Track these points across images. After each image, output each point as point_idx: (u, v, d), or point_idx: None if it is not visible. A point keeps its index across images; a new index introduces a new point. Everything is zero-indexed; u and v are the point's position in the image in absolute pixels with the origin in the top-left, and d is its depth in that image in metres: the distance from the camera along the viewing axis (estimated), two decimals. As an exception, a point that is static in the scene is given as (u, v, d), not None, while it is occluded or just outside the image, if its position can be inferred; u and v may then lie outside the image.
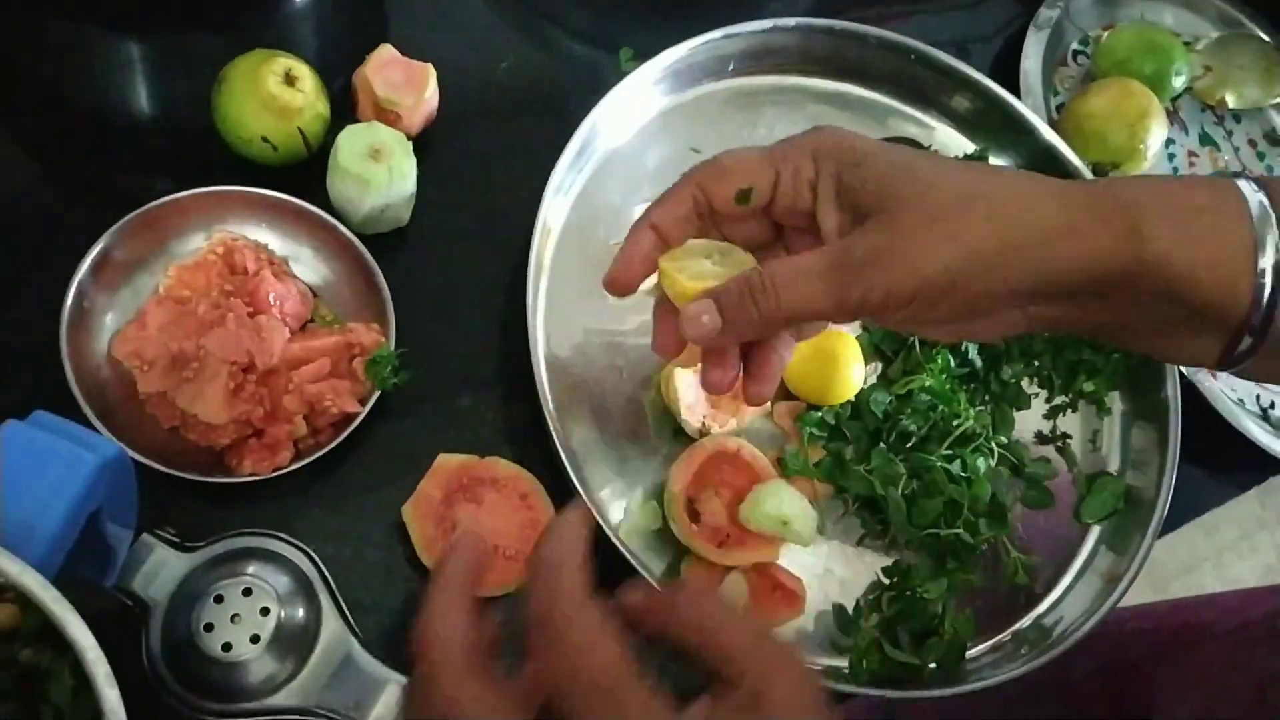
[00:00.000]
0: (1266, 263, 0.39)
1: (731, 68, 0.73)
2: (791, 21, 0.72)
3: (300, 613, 0.50)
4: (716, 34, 0.69)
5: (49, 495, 0.39)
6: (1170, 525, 0.68)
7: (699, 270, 0.45)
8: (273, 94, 0.57)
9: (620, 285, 0.47)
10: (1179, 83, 0.82)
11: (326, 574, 0.52)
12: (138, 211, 0.57)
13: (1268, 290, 0.39)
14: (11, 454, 0.39)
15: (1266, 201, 0.40)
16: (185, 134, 0.63)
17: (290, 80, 0.58)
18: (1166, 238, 0.40)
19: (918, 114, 0.76)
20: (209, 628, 0.49)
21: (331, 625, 0.51)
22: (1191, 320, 0.42)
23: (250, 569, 0.51)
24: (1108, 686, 0.73)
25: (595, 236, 0.68)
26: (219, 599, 0.50)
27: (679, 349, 0.47)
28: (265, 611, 0.50)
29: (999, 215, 0.40)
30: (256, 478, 0.54)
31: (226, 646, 0.49)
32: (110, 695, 0.36)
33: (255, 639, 0.49)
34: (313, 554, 0.52)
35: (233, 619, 0.49)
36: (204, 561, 0.50)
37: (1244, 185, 0.41)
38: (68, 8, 0.65)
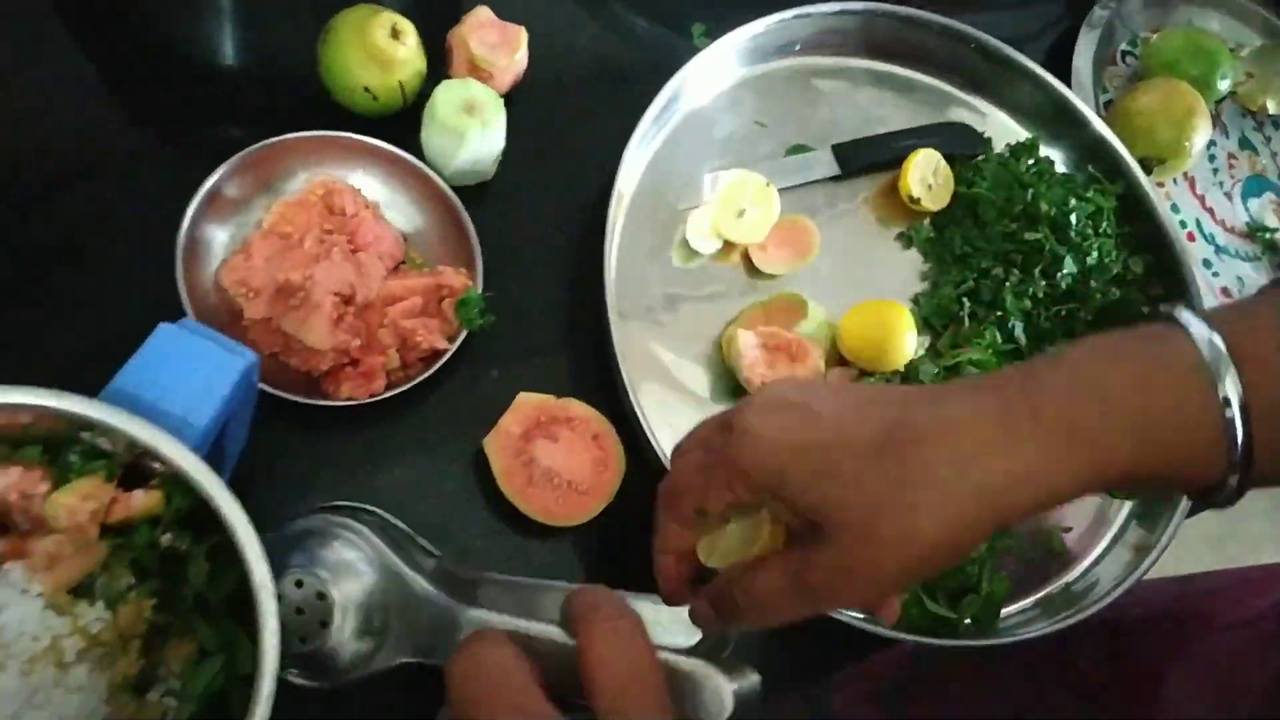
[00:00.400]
0: (1234, 412, 0.35)
1: (799, 47, 0.76)
2: (858, 5, 0.75)
3: (363, 581, 0.48)
4: (788, 13, 0.73)
5: (200, 393, 0.42)
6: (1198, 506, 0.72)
7: (725, 549, 0.45)
8: (379, 47, 0.60)
9: (678, 599, 0.47)
10: (1223, 86, 0.86)
11: (392, 525, 0.52)
12: (245, 151, 0.60)
13: (1240, 437, 0.36)
14: (165, 352, 0.42)
15: (1219, 342, 0.36)
16: (287, 82, 0.66)
17: (395, 34, 0.61)
18: (1125, 455, 0.36)
19: (974, 100, 0.80)
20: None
21: (403, 580, 0.48)
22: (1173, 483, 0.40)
23: (296, 560, 0.48)
24: (1115, 678, 0.76)
25: (665, 201, 0.71)
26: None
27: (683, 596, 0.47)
28: (322, 596, 0.47)
29: (936, 508, 0.37)
30: (353, 402, 0.58)
31: (303, 639, 0.47)
32: (260, 570, 0.39)
33: (324, 624, 0.47)
34: (368, 509, 0.53)
35: (297, 612, 0.47)
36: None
37: (1193, 326, 0.37)
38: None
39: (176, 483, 0.42)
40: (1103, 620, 0.66)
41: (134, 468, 0.44)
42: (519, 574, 0.53)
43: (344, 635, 0.47)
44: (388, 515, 0.54)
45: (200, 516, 0.43)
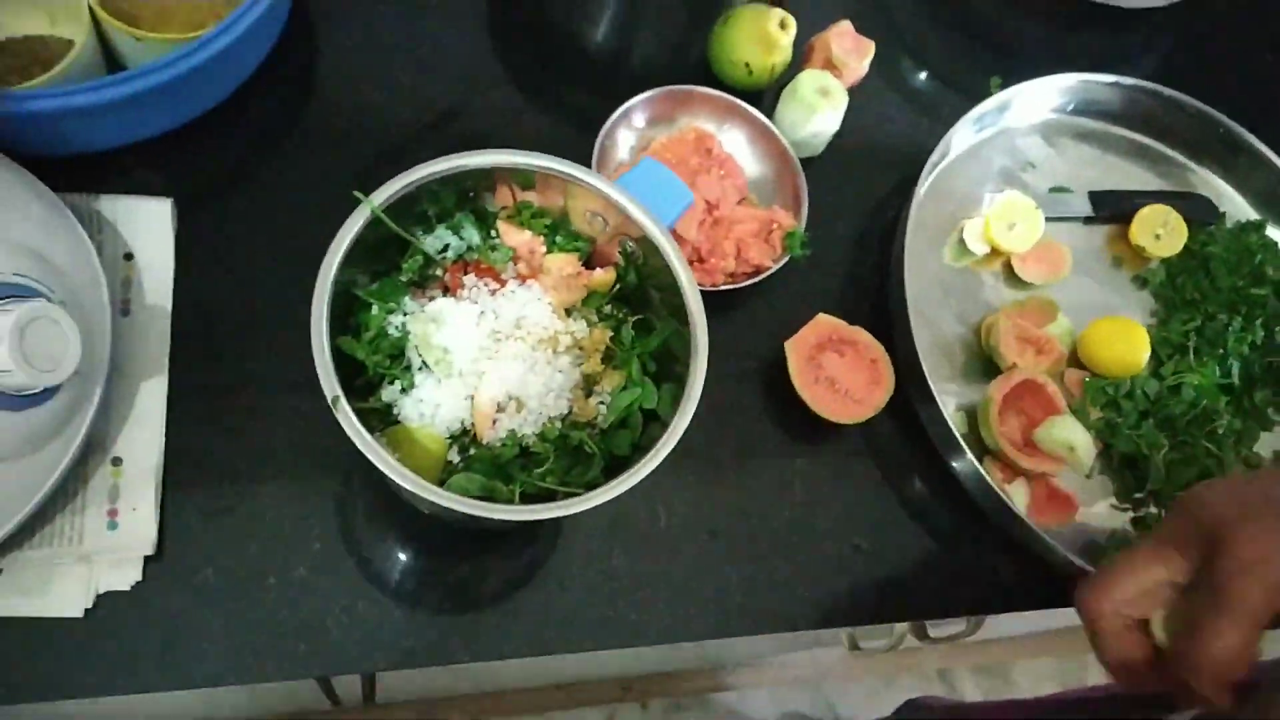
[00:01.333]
0: None
1: (1071, 107, 0.91)
2: (1127, 80, 0.89)
3: None
4: (1071, 77, 0.88)
5: (666, 210, 0.58)
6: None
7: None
8: (768, 32, 0.78)
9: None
10: None
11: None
12: (653, 91, 0.77)
13: None
14: (647, 174, 0.58)
15: None
16: (678, 60, 0.85)
17: (782, 26, 0.79)
18: None
19: (1212, 178, 0.93)
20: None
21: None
22: None
23: None
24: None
25: (945, 210, 0.86)
26: None
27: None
28: None
29: None
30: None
31: None
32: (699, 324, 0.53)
33: None
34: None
35: None
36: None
37: None
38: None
39: (628, 262, 0.57)
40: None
41: (594, 256, 0.59)
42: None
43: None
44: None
45: (632, 297, 0.58)
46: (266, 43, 0.72)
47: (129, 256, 0.67)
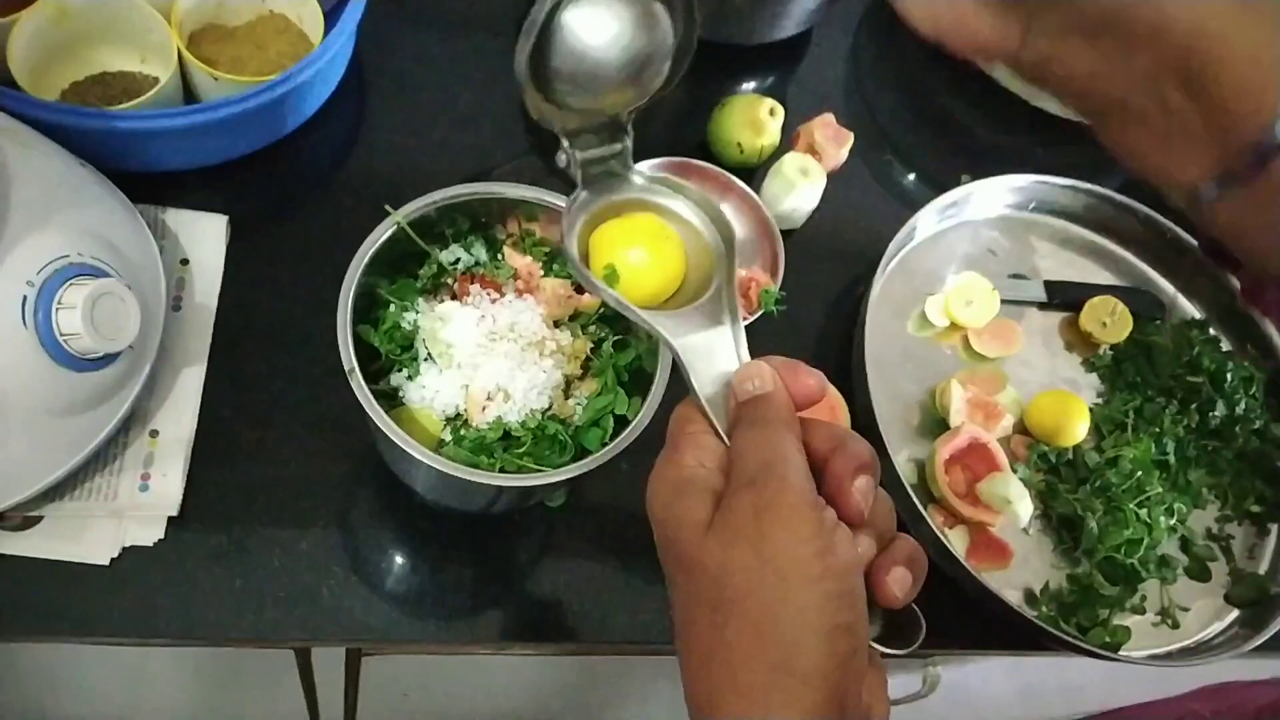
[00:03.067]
0: None
1: (1032, 205, 1.01)
2: (1084, 185, 0.99)
3: None
4: (1030, 178, 0.98)
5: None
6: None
7: None
8: (759, 118, 0.89)
9: None
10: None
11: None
12: (658, 160, 0.88)
13: None
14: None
15: None
16: (680, 140, 0.96)
17: (771, 114, 0.90)
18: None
19: (1160, 280, 1.02)
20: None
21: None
22: (1198, 122, 0.43)
23: None
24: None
25: (911, 286, 0.95)
26: None
27: None
28: None
29: None
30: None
31: None
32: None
33: None
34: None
35: None
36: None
37: None
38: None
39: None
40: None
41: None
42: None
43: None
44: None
45: (614, 320, 0.67)
46: (324, 92, 0.84)
47: (185, 262, 0.77)
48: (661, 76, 0.52)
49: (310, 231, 0.83)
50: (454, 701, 1.38)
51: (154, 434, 0.71)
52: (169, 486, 0.70)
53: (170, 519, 0.69)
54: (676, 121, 0.99)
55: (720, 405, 0.48)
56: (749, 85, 1.03)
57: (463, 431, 0.61)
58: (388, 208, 0.61)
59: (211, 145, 0.78)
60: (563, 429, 0.61)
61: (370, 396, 0.56)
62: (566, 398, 0.64)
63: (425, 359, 0.62)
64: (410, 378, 0.62)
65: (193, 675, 1.14)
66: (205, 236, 0.78)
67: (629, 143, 0.54)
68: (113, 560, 0.68)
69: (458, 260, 0.64)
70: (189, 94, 0.81)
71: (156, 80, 0.80)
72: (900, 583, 0.43)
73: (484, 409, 0.61)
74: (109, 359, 0.65)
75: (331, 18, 0.82)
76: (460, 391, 0.61)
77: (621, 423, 0.63)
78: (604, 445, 0.62)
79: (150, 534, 0.69)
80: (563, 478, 0.57)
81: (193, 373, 0.74)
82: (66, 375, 0.63)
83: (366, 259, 0.60)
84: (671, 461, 0.47)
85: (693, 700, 0.41)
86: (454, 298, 0.64)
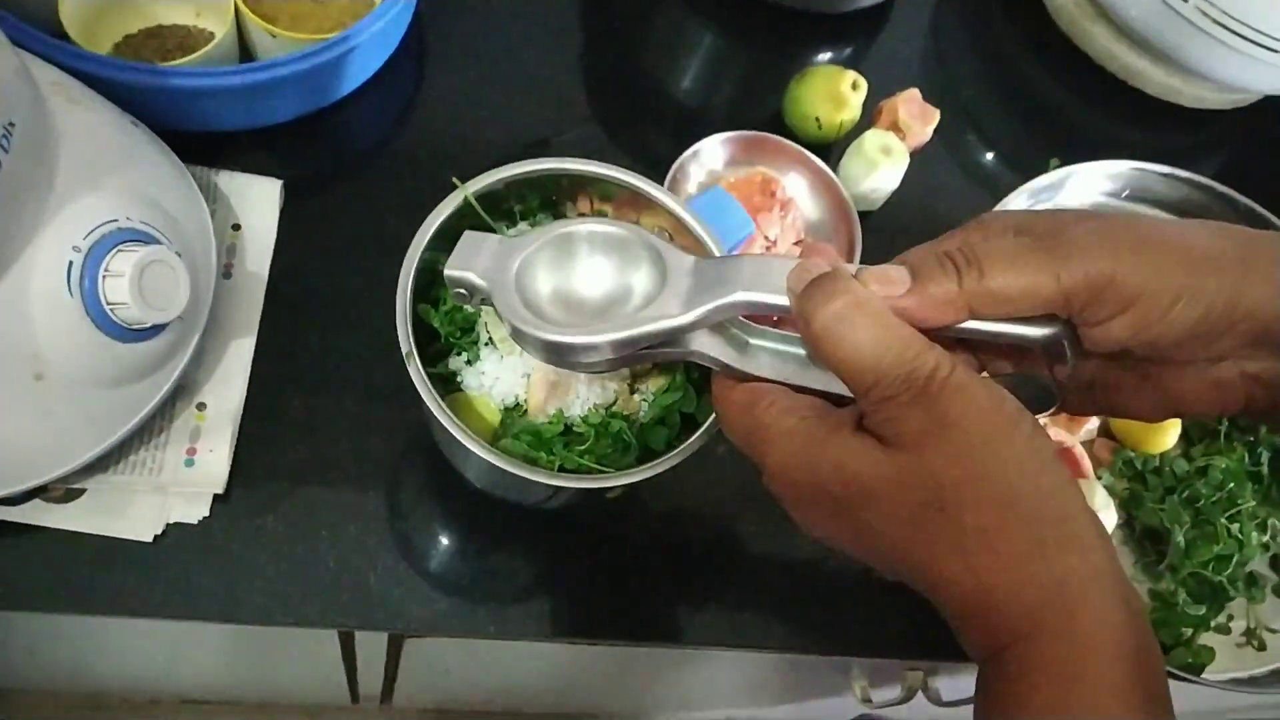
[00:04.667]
0: None
1: (1125, 193, 0.95)
2: (1183, 174, 0.92)
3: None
4: (1125, 164, 0.92)
5: (728, 235, 0.62)
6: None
7: None
8: (840, 91, 0.84)
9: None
10: None
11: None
12: (727, 134, 0.83)
13: None
14: (715, 201, 0.64)
15: None
16: (754, 111, 0.91)
17: (854, 87, 0.84)
18: None
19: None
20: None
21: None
22: None
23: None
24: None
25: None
26: None
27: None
28: None
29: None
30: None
31: None
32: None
33: None
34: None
35: None
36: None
37: None
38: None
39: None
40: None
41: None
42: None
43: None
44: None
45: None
46: (384, 54, 0.80)
47: (236, 227, 0.74)
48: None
49: (366, 201, 0.79)
50: (496, 678, 1.37)
51: (201, 407, 0.69)
52: (216, 463, 0.67)
53: (215, 496, 0.67)
54: (748, 93, 0.94)
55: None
56: (825, 55, 0.98)
57: (521, 423, 0.57)
58: (455, 180, 0.57)
59: (267, 105, 0.75)
60: (626, 427, 0.57)
61: (428, 382, 0.52)
62: (632, 392, 0.60)
63: (486, 344, 0.58)
64: (469, 363, 0.58)
65: (232, 643, 1.13)
66: (259, 201, 0.75)
67: None
68: (156, 537, 0.65)
69: (524, 238, 0.60)
70: (245, 51, 0.78)
71: (212, 35, 0.77)
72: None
73: (545, 400, 0.57)
74: (157, 329, 0.62)
75: (394, -26, 0.78)
76: (521, 381, 0.58)
77: (687, 420, 0.60)
78: (669, 444, 0.58)
79: (195, 511, 0.66)
80: (626, 482, 0.53)
81: (243, 344, 0.71)
82: (112, 345, 0.60)
83: (430, 234, 0.56)
84: (778, 439, 0.42)
85: (959, 600, 0.38)
86: (519, 279, 0.60)
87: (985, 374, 0.45)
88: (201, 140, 0.74)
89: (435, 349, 0.59)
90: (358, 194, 0.79)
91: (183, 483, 0.66)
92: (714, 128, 0.84)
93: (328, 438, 0.71)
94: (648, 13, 0.97)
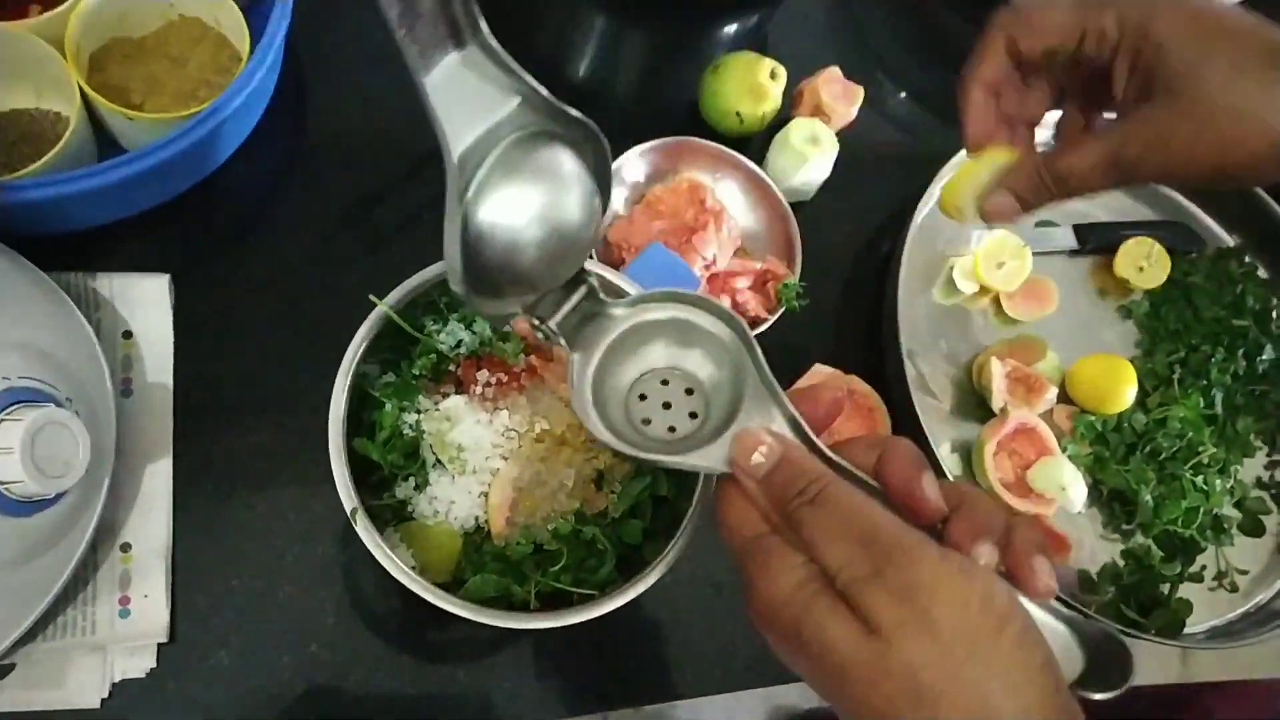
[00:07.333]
0: None
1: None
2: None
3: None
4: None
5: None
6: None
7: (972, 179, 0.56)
8: (759, 82, 0.78)
9: (977, 142, 0.56)
10: None
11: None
12: (647, 144, 0.77)
13: None
14: (654, 258, 0.59)
15: None
16: (668, 110, 0.85)
17: (772, 76, 0.79)
18: None
19: (1192, 208, 0.94)
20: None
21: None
22: None
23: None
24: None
25: (934, 249, 0.86)
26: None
27: (988, 139, 0.56)
28: (690, 392, 0.46)
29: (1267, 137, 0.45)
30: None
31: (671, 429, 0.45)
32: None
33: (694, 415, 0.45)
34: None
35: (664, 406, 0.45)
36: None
37: None
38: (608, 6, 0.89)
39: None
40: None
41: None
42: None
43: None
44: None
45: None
46: (258, 111, 0.72)
47: (128, 334, 0.67)
48: (596, 213, 0.43)
49: (265, 273, 0.72)
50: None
51: (125, 548, 0.62)
52: (153, 608, 0.61)
53: (160, 644, 0.62)
54: (659, 90, 0.88)
55: None
56: (730, 29, 0.91)
57: (487, 549, 0.53)
58: (373, 298, 0.51)
59: (138, 195, 0.66)
60: (600, 532, 0.53)
61: (382, 545, 0.48)
62: (598, 490, 0.56)
63: (434, 465, 0.53)
64: (418, 488, 0.54)
65: None
66: (147, 301, 0.67)
67: (593, 277, 0.45)
68: (103, 701, 0.60)
69: (459, 343, 0.55)
70: (100, 130, 0.69)
71: (58, 116, 0.68)
72: (1045, 572, 0.39)
73: (507, 523, 0.53)
74: (60, 494, 0.55)
75: (252, 14, 0.69)
76: (478, 501, 0.53)
77: (659, 504, 0.56)
78: (645, 533, 0.55)
79: (141, 664, 0.61)
80: (607, 610, 0.49)
81: (158, 468, 0.65)
82: (15, 524, 0.54)
83: (354, 363, 0.51)
84: (765, 581, 0.40)
85: None
86: (459, 386, 0.55)
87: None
88: (68, 242, 0.65)
89: (378, 477, 0.54)
90: (253, 268, 0.72)
91: (121, 636, 0.61)
92: (629, 134, 0.78)
93: (271, 551, 0.65)
94: (539, 15, 0.89)
